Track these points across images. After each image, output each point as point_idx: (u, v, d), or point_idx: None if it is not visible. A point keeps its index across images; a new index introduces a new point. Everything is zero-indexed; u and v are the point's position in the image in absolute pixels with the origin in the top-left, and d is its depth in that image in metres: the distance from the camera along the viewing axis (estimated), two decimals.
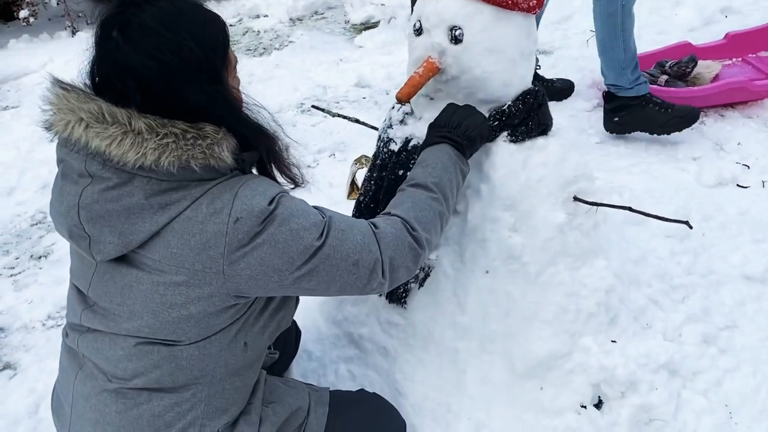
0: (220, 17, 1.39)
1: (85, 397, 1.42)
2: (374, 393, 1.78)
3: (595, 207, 1.92)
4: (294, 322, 2.02)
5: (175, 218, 1.27)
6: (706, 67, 3.81)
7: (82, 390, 1.43)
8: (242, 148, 1.37)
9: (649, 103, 3.35)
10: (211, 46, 1.32)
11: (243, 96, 1.44)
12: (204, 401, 1.42)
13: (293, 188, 1.54)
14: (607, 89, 3.44)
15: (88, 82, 1.32)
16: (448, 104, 1.78)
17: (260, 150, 1.43)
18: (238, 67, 1.45)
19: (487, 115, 1.83)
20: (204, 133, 1.27)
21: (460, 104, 1.79)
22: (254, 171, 1.51)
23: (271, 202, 1.31)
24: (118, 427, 1.39)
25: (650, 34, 4.75)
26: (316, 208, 1.43)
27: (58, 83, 1.30)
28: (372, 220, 1.50)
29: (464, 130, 1.69)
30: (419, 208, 1.54)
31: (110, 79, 1.27)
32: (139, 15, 1.26)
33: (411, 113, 2.04)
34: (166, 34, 1.25)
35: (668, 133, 3.36)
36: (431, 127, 1.75)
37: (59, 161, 1.34)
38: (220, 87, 1.34)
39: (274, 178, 1.50)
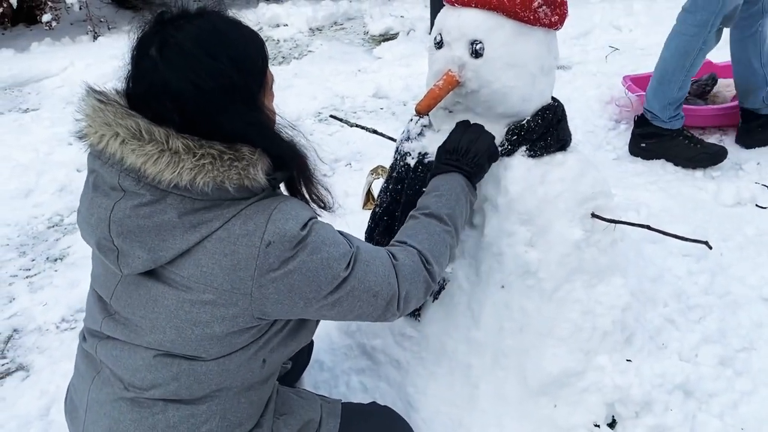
0: (259, 35, 1.38)
1: (100, 403, 1.42)
2: (386, 406, 1.77)
3: (613, 224, 1.91)
4: None
5: (207, 237, 1.27)
6: (726, 86, 3.79)
7: (97, 396, 1.42)
8: (275, 166, 1.36)
9: (680, 135, 3.33)
10: (249, 69, 1.32)
11: (277, 116, 1.44)
12: (219, 414, 1.41)
13: (322, 209, 1.53)
14: (642, 113, 3.41)
15: (123, 97, 1.32)
16: (456, 124, 1.79)
17: (292, 169, 1.42)
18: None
19: (505, 130, 1.82)
20: (241, 155, 1.27)
21: (477, 119, 1.79)
22: (283, 187, 1.50)
23: (303, 227, 1.31)
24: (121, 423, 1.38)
25: None
26: (342, 234, 1.43)
27: (94, 94, 1.29)
28: (391, 249, 1.51)
29: (473, 157, 1.70)
30: (434, 240, 1.56)
31: (147, 97, 1.26)
32: (176, 35, 1.25)
33: (429, 126, 2.04)
34: (204, 57, 1.24)
35: (693, 168, 3.32)
36: (441, 151, 1.76)
37: (91, 171, 1.33)
38: (256, 112, 1.34)
39: (303, 199, 1.49)
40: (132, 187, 1.25)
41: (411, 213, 1.65)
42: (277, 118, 1.43)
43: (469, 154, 1.70)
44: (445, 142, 1.77)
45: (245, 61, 1.30)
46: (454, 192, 1.65)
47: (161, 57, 1.24)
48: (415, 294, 1.49)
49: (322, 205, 1.52)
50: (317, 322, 1.59)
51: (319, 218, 1.41)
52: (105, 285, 1.40)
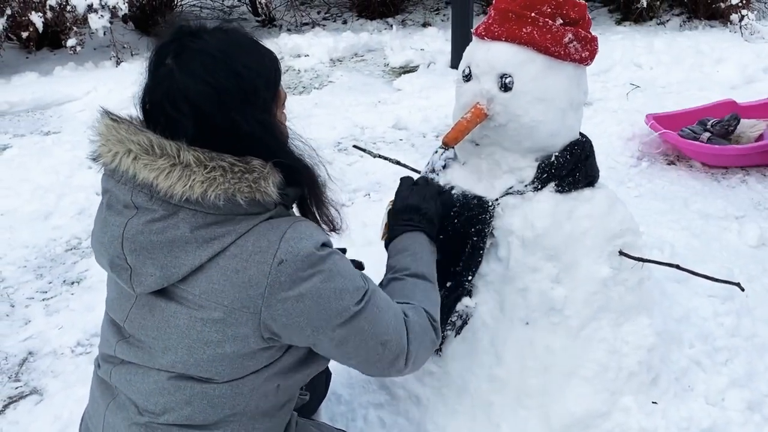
0: (274, 53, 1.39)
1: (115, 428, 1.40)
2: None
3: (641, 263, 1.88)
4: None
5: (219, 254, 1.26)
6: (751, 126, 3.77)
7: (113, 421, 1.40)
8: (287, 182, 1.36)
9: None
10: (264, 77, 1.33)
11: (289, 131, 1.44)
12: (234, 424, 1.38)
13: (331, 233, 1.52)
14: None
15: (139, 112, 1.33)
16: (401, 181, 1.81)
17: (303, 185, 1.42)
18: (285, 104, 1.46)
19: (536, 165, 1.81)
20: (251, 167, 1.27)
21: (505, 153, 1.80)
22: (295, 208, 1.49)
23: (319, 249, 1.30)
24: None
25: (691, 90, 4.74)
26: (361, 274, 1.41)
27: (108, 115, 1.30)
28: (401, 306, 1.49)
29: (425, 213, 1.71)
30: (430, 299, 1.57)
31: (162, 105, 1.27)
32: (195, 42, 1.27)
33: (454, 158, 2.03)
34: (221, 60, 1.26)
35: None
36: (394, 212, 1.75)
37: (104, 192, 1.34)
38: (270, 117, 1.35)
39: (314, 219, 1.48)
40: (145, 203, 1.26)
41: (391, 276, 1.61)
42: (289, 132, 1.43)
43: (421, 211, 1.71)
44: (395, 203, 1.76)
45: (260, 69, 1.32)
46: (425, 250, 1.66)
47: (177, 63, 1.26)
48: (423, 355, 1.48)
49: (332, 227, 1.52)
50: None
51: (334, 248, 1.39)
52: (119, 309, 1.39)
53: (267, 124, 1.33)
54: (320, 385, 2.01)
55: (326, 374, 2.04)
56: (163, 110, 1.27)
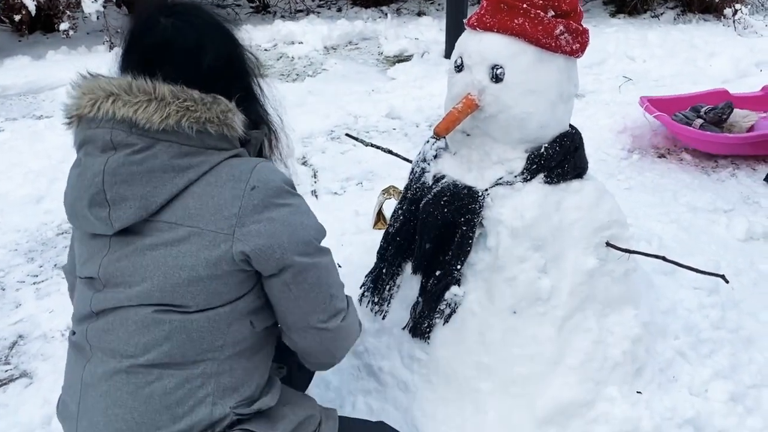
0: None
1: (94, 385, 1.40)
2: (380, 421, 1.76)
3: (627, 254, 1.90)
4: None
5: (195, 181, 1.37)
6: (743, 116, 3.79)
7: (90, 380, 1.41)
8: (251, 125, 1.51)
9: None
10: (242, 46, 1.53)
11: (267, 101, 1.61)
12: (214, 378, 1.41)
13: None
14: None
15: (116, 67, 1.47)
16: None
17: (264, 131, 1.58)
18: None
19: (525, 156, 1.83)
20: (218, 101, 1.40)
21: (495, 144, 1.82)
22: None
23: (287, 185, 1.44)
24: (130, 409, 1.37)
25: (684, 84, 4.77)
26: None
27: (88, 72, 1.43)
28: None
29: None
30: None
31: (140, 46, 1.43)
32: (185, 5, 1.48)
33: (445, 148, 2.04)
34: (212, 22, 1.47)
35: None
36: None
37: (81, 144, 1.41)
38: (242, 51, 1.52)
39: None
40: (124, 139, 1.35)
41: None
42: (267, 100, 1.60)
43: None
44: None
45: (233, 30, 1.52)
46: None
47: (160, 13, 1.43)
48: (353, 327, 1.58)
49: None
50: None
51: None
52: (92, 263, 1.44)
53: (237, 59, 1.51)
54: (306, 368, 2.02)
55: None
56: (142, 52, 1.42)
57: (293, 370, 1.80)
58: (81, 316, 1.47)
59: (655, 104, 3.87)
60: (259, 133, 1.55)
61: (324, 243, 1.50)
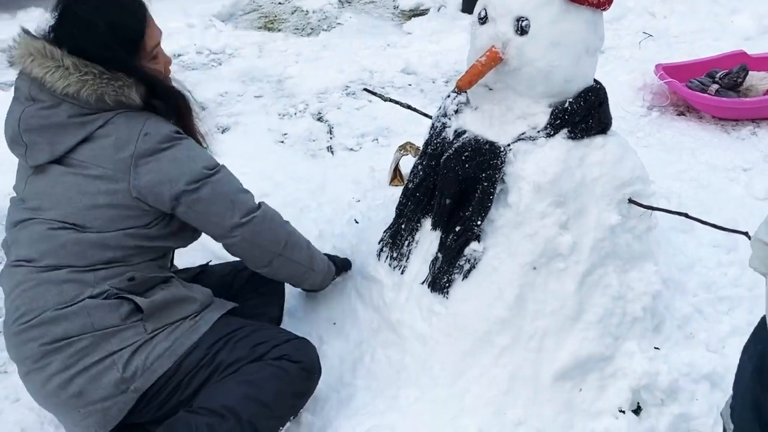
0: (138, 5, 1.75)
1: (12, 281, 1.72)
2: (303, 338, 1.93)
3: (649, 211, 1.89)
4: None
5: (94, 132, 1.66)
6: (761, 79, 3.73)
7: (7, 283, 1.74)
8: (151, 95, 1.74)
9: None
10: (131, 27, 1.71)
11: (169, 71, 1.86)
12: (104, 280, 1.70)
13: None
14: None
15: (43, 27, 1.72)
16: None
17: (169, 102, 1.78)
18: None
19: (549, 111, 1.81)
20: (116, 77, 1.66)
21: (518, 98, 1.82)
22: None
23: (175, 132, 1.72)
24: (30, 288, 1.68)
25: (706, 40, 4.68)
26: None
27: (24, 30, 1.71)
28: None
29: None
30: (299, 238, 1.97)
31: (61, 22, 1.68)
32: None
33: (467, 103, 2.02)
34: (104, 6, 1.69)
35: None
36: None
37: (15, 89, 1.73)
38: (136, 56, 1.72)
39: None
40: (38, 95, 1.66)
41: None
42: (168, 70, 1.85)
43: None
44: None
45: (128, 21, 1.70)
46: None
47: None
48: (269, 216, 1.84)
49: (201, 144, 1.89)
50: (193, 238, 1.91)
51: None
52: (20, 181, 1.79)
53: (131, 52, 1.71)
54: (273, 294, 2.16)
55: (279, 285, 2.17)
56: (61, 26, 1.68)
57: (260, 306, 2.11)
58: (9, 224, 1.79)
59: (670, 71, 3.81)
60: (161, 103, 1.77)
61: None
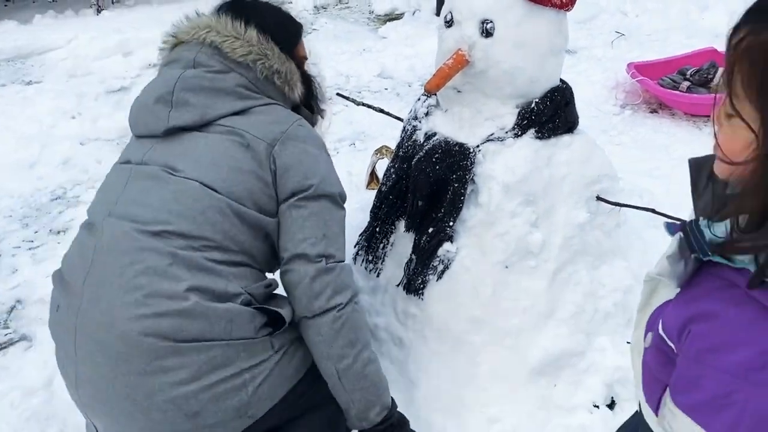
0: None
1: (109, 248, 1.45)
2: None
3: (617, 207, 1.92)
4: None
5: (251, 108, 1.61)
6: None
7: (109, 243, 1.46)
8: (306, 101, 1.79)
9: None
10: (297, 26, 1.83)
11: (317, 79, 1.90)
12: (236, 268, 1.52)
13: None
14: None
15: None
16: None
17: (313, 112, 1.83)
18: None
19: (516, 112, 1.83)
20: (290, 62, 1.69)
21: (486, 100, 1.84)
22: None
23: (323, 144, 1.67)
24: (140, 250, 1.42)
25: (678, 37, 4.74)
26: None
27: (196, 12, 1.71)
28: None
29: None
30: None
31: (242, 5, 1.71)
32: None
33: (437, 105, 2.04)
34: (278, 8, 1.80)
35: None
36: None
37: (166, 63, 1.68)
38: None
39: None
40: (205, 61, 1.61)
41: None
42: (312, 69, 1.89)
43: None
44: None
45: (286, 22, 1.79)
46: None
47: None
48: (345, 280, 1.58)
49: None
50: None
51: None
52: (139, 150, 1.60)
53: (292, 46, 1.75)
54: None
55: None
56: (241, 8, 1.69)
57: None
58: (107, 202, 1.57)
59: (642, 70, 3.86)
60: (306, 113, 1.77)
61: None
